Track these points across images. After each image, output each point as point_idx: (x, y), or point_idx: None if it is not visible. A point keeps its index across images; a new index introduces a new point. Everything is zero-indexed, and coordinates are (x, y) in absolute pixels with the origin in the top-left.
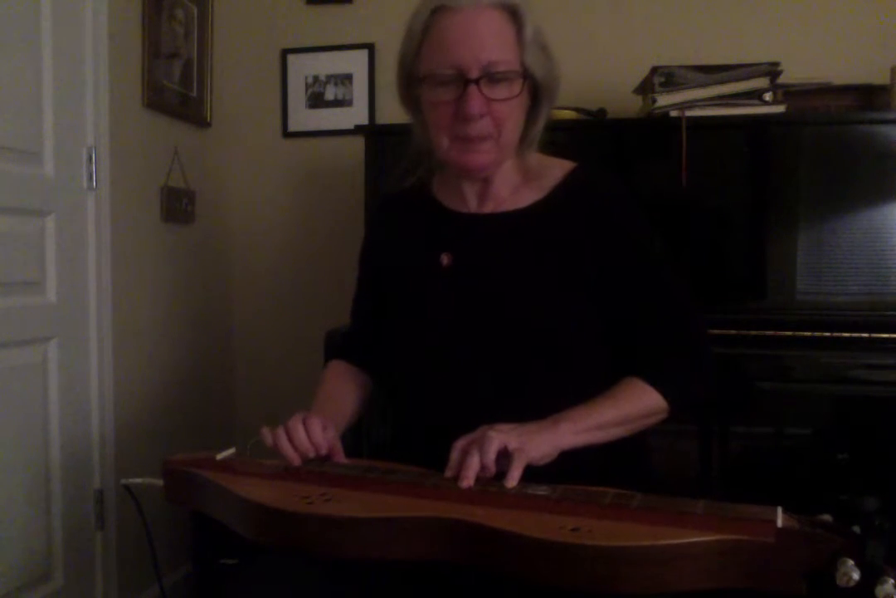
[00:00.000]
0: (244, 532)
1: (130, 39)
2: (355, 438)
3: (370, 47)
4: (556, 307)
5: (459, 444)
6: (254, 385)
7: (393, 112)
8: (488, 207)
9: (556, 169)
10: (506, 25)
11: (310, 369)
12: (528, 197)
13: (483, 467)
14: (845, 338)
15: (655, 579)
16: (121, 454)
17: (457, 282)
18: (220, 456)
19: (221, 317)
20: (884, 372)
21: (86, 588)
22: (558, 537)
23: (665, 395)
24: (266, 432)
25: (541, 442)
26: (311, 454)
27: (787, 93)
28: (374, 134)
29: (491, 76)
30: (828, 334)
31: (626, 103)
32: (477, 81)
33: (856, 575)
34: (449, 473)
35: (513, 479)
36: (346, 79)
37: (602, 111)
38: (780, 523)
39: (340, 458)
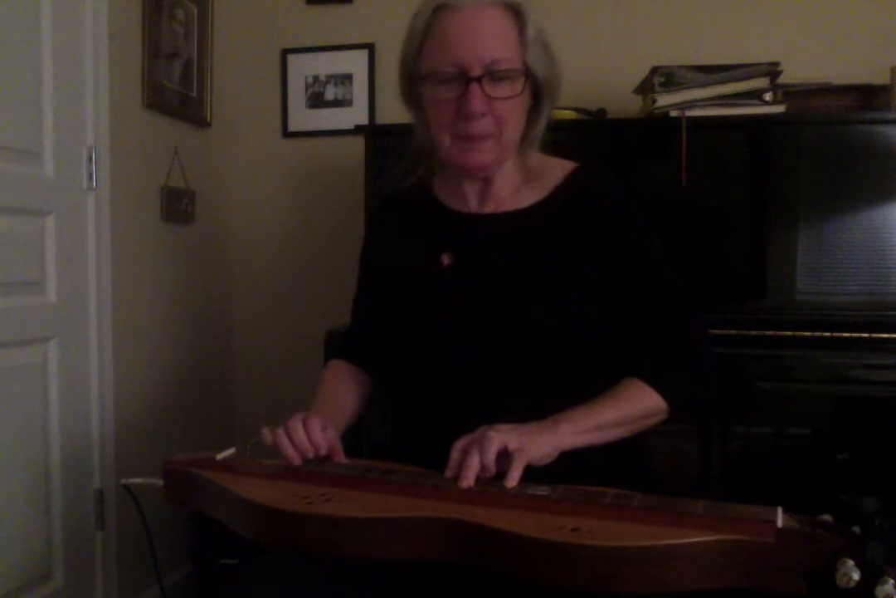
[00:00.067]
0: (244, 532)
1: (130, 39)
2: (355, 438)
3: (370, 47)
4: (557, 307)
5: (459, 444)
6: (254, 385)
7: (393, 112)
8: (489, 207)
9: (558, 169)
10: (508, 24)
11: (310, 369)
12: (529, 197)
13: (483, 468)
14: (845, 338)
15: (655, 579)
16: (121, 454)
17: (457, 282)
18: (220, 456)
19: (221, 317)
20: (884, 372)
21: (86, 588)
22: (558, 537)
23: (665, 396)
24: (266, 432)
25: (541, 442)
26: (311, 454)
27: (787, 93)
28: (374, 134)
29: (493, 74)
30: (828, 334)
31: (626, 103)
32: (479, 80)
33: (856, 575)
34: (449, 473)
35: (513, 479)
36: (346, 79)
37: (602, 111)
38: (780, 523)
39: (340, 458)
